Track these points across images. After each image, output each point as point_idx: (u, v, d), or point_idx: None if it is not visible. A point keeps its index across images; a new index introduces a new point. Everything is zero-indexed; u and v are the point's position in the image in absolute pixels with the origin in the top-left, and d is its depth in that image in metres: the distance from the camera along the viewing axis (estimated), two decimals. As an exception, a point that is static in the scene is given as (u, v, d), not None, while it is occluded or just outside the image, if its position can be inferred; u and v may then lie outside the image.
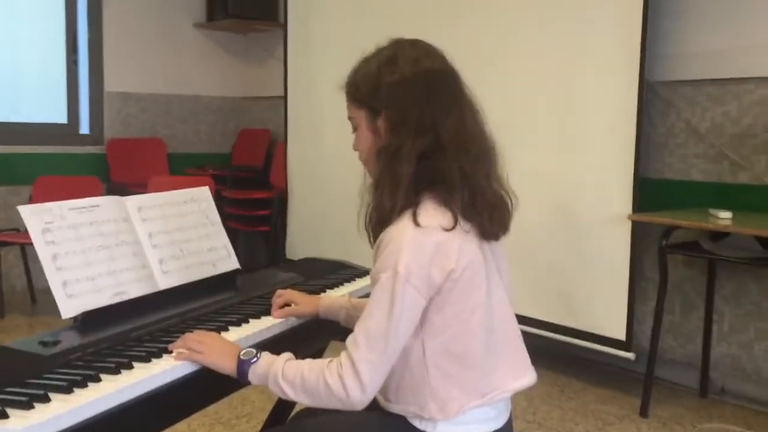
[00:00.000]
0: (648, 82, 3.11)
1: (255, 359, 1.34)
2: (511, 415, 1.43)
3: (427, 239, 1.25)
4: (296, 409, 1.86)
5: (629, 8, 3.03)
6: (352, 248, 2.64)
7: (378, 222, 1.31)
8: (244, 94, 5.73)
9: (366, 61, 1.37)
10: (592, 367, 3.51)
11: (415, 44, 1.36)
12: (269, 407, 2.95)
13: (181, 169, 5.35)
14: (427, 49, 1.36)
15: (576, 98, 3.26)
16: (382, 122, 1.33)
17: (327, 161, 4.50)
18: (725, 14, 3.10)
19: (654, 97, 3.29)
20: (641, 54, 3.01)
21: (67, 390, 1.17)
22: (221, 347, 1.37)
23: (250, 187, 5.31)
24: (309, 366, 1.29)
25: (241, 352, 1.36)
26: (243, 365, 1.34)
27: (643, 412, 3.01)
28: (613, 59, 3.12)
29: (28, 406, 1.11)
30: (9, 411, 1.08)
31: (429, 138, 1.29)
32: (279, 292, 1.70)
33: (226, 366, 1.35)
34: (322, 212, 4.57)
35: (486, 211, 1.31)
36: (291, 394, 1.30)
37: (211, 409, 1.47)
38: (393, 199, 1.28)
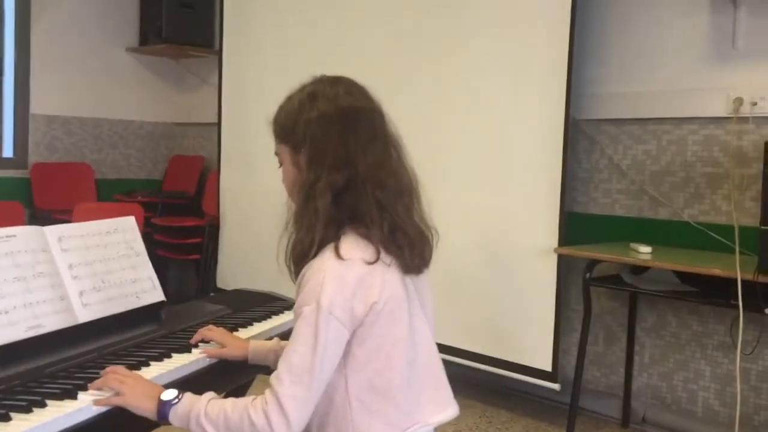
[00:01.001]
0: (573, 120, 3.22)
1: (176, 400, 1.31)
2: (433, 450, 1.44)
3: (350, 272, 1.26)
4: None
5: (556, 50, 3.14)
6: (284, 279, 2.63)
7: (298, 256, 1.32)
8: (177, 119, 5.66)
9: (289, 99, 1.40)
10: (519, 397, 3.56)
11: (337, 82, 1.39)
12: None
13: (110, 195, 5.22)
14: (348, 87, 1.38)
15: (504, 134, 3.34)
16: (302, 158, 1.35)
17: (259, 191, 4.47)
18: (645, 60, 3.25)
19: (579, 135, 3.41)
20: (567, 93, 3.12)
21: (-27, 430, 1.12)
22: (141, 388, 1.34)
23: (182, 214, 5.22)
24: (232, 404, 1.28)
25: (162, 393, 1.33)
26: (164, 407, 1.31)
27: (568, 442, 3.06)
28: (539, 97, 3.22)
29: (-71, 448, 1.06)
30: None
31: (344, 173, 1.31)
32: (211, 327, 1.69)
33: (146, 408, 1.32)
34: (254, 241, 4.52)
35: (407, 246, 1.33)
36: None
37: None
38: (311, 233, 1.30)
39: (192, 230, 5.05)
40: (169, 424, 1.32)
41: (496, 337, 3.37)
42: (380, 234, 1.30)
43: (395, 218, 1.32)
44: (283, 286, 2.25)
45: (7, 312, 1.48)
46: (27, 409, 1.22)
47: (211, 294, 4.73)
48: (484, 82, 3.39)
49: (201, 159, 5.50)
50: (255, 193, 4.53)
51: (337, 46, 3.94)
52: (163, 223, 4.98)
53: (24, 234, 1.60)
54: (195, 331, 1.73)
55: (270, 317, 1.98)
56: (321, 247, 1.29)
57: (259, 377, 1.82)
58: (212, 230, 4.94)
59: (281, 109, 1.40)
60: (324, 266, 1.27)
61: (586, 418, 3.33)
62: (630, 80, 3.30)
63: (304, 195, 1.32)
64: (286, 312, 2.04)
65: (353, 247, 1.29)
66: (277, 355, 1.59)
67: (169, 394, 1.32)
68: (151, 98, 5.58)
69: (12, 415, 1.19)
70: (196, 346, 1.66)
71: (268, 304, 2.11)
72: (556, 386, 3.19)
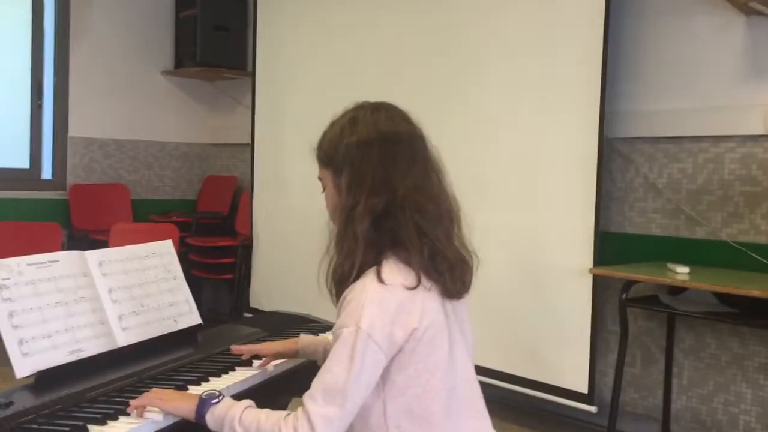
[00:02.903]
0: (607, 139, 3.19)
1: (216, 401, 1.34)
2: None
3: (391, 297, 1.27)
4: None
5: (589, 67, 3.12)
6: (317, 298, 2.64)
7: (339, 279, 1.32)
8: (211, 141, 5.74)
9: (332, 125, 1.42)
10: (554, 419, 3.51)
11: (378, 108, 1.40)
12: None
13: (145, 215, 5.30)
14: (389, 112, 1.39)
15: (537, 154, 3.33)
16: (343, 182, 1.36)
17: (292, 212, 4.50)
18: (680, 77, 3.22)
19: (613, 153, 3.38)
20: (600, 112, 3.10)
21: (19, 456, 1.14)
22: (180, 393, 1.42)
23: (215, 234, 5.27)
24: (267, 415, 1.30)
25: (204, 393, 1.37)
26: (203, 404, 1.34)
27: (606, 466, 3.01)
28: (573, 116, 3.20)
29: (-24, 474, 1.07)
30: (-44, 479, 1.05)
31: (383, 198, 1.32)
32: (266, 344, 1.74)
33: (186, 406, 1.35)
34: (286, 262, 4.55)
35: (447, 271, 1.33)
36: None
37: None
38: (351, 257, 1.31)
39: (225, 250, 5.10)
40: (205, 424, 1.33)
41: (531, 359, 3.33)
42: (420, 259, 1.30)
43: (435, 243, 1.32)
44: (315, 306, 2.27)
45: (49, 336, 1.51)
46: (69, 435, 1.24)
47: (245, 314, 4.77)
48: (517, 101, 3.38)
49: (234, 180, 5.56)
50: (287, 214, 4.57)
51: (369, 67, 3.98)
52: (197, 243, 5.03)
53: (66, 259, 1.63)
54: (231, 355, 1.75)
55: (305, 340, 1.97)
56: (361, 270, 1.30)
57: (294, 400, 1.82)
58: (245, 250, 4.98)
59: (324, 134, 1.42)
60: (365, 289, 1.27)
61: (624, 441, 3.27)
62: (665, 97, 3.26)
63: (344, 219, 1.33)
64: (321, 335, 2.05)
65: (394, 272, 1.29)
66: (327, 351, 1.60)
67: (211, 395, 1.36)
68: (186, 120, 5.67)
69: (55, 440, 1.21)
70: (248, 362, 1.72)
71: (303, 326, 2.12)
72: (592, 408, 3.14)
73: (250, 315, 4.66)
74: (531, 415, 3.53)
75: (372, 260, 1.30)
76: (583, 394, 3.16)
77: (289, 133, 4.53)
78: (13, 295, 1.48)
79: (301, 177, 4.37)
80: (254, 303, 4.83)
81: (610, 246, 3.27)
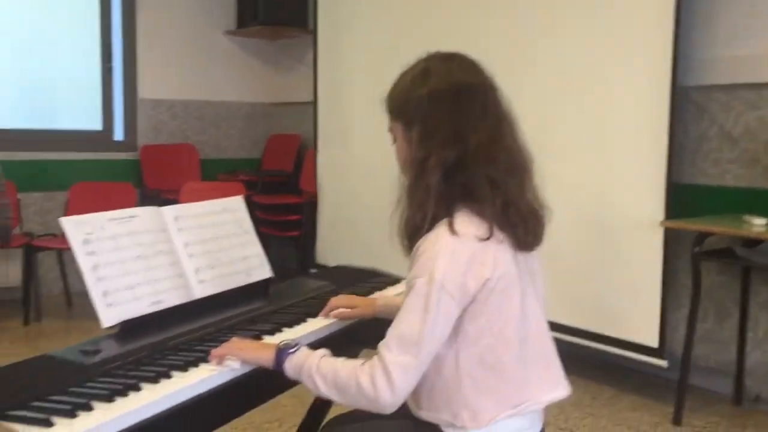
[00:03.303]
0: (680, 87, 3.08)
1: (294, 350, 1.38)
2: (543, 427, 1.43)
3: (463, 248, 1.27)
4: (328, 416, 1.89)
5: (661, 13, 3.00)
6: (382, 253, 2.66)
7: (411, 232, 1.33)
8: (274, 99, 5.79)
9: (402, 75, 1.40)
10: (623, 374, 3.48)
11: (449, 58, 1.38)
12: (300, 412, 2.97)
13: (213, 174, 5.42)
14: (462, 63, 1.37)
15: (607, 104, 3.24)
16: (414, 134, 1.35)
17: (356, 168, 4.53)
18: (758, 19, 3.06)
19: (686, 102, 3.26)
20: (673, 59, 2.99)
21: (109, 399, 1.20)
22: (259, 343, 1.46)
23: (281, 192, 5.36)
24: (343, 363, 1.32)
25: (281, 342, 1.40)
26: (281, 354, 1.38)
27: (677, 420, 2.98)
28: (644, 64, 3.09)
29: (71, 414, 1.14)
30: (53, 419, 1.12)
31: (455, 150, 1.31)
32: (339, 296, 1.76)
33: (265, 356, 1.39)
34: (351, 218, 4.59)
35: (520, 223, 1.32)
36: (322, 389, 1.32)
37: (241, 416, 1.51)
38: (423, 209, 1.31)
39: (291, 207, 5.19)
40: (283, 372, 1.37)
41: (599, 313, 3.30)
42: (493, 211, 1.29)
43: (508, 195, 1.31)
44: (381, 261, 2.29)
45: (131, 288, 1.57)
46: (154, 380, 1.30)
47: (312, 270, 4.85)
48: (586, 49, 3.29)
49: (297, 138, 5.62)
50: (351, 171, 4.60)
51: (432, 23, 3.92)
52: (263, 201, 5.13)
53: (144, 214, 1.69)
54: (302, 306, 1.79)
55: (373, 293, 2.00)
56: (433, 222, 1.30)
57: (364, 351, 1.86)
58: (310, 207, 5.05)
59: (395, 86, 1.41)
60: (438, 240, 1.27)
61: (696, 395, 3.22)
62: (742, 42, 3.11)
63: (415, 171, 1.33)
64: (389, 287, 2.07)
65: (467, 224, 1.29)
66: None
67: (288, 344, 1.39)
68: (249, 79, 5.73)
69: (141, 385, 1.27)
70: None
71: (371, 280, 2.14)
72: (663, 363, 3.10)
73: (316, 271, 4.74)
74: (599, 369, 3.51)
75: (444, 212, 1.30)
76: (654, 348, 3.12)
77: (351, 90, 4.53)
78: (96, 249, 1.54)
79: (364, 134, 4.38)
80: (320, 259, 4.91)
81: (682, 198, 3.19)
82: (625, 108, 3.17)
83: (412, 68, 1.40)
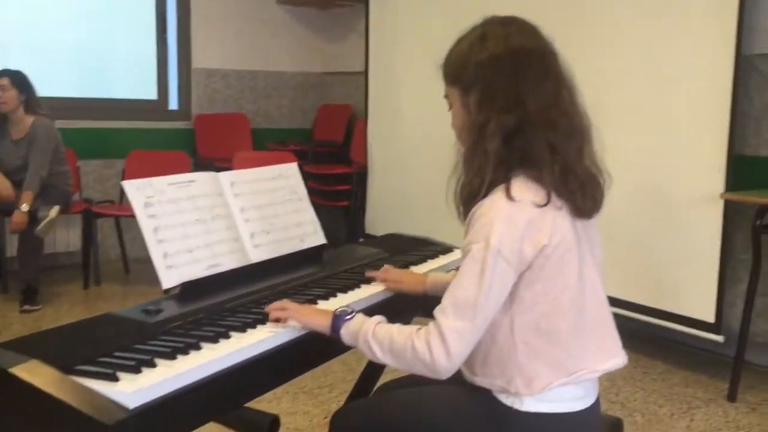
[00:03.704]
0: (745, 56, 2.97)
1: (349, 317, 1.39)
2: (598, 397, 1.42)
3: (520, 213, 1.26)
4: (380, 381, 1.91)
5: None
6: (431, 224, 2.66)
7: (468, 197, 1.32)
8: (326, 69, 5.79)
9: (459, 41, 1.39)
10: (676, 349, 3.43)
11: (508, 22, 1.36)
12: (350, 378, 3.02)
13: (264, 144, 5.47)
14: (521, 27, 1.35)
15: (665, 72, 3.15)
16: (472, 100, 1.34)
17: (407, 138, 4.51)
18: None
19: (751, 71, 3.14)
20: (738, 26, 2.88)
21: (171, 356, 1.23)
22: (316, 309, 1.47)
23: (331, 162, 5.38)
24: (399, 329, 1.33)
25: (337, 309, 1.41)
26: (337, 321, 1.39)
27: (731, 397, 2.93)
28: (707, 31, 2.99)
29: (136, 370, 1.17)
30: (119, 374, 1.16)
31: (515, 115, 1.29)
32: (387, 267, 1.76)
33: (321, 322, 1.41)
34: (401, 188, 4.59)
35: (578, 189, 1.30)
36: (378, 354, 1.33)
37: (295, 378, 1.54)
38: (481, 175, 1.30)
39: (341, 177, 5.21)
40: (339, 338, 1.39)
41: (654, 286, 3.25)
42: (551, 177, 1.28)
43: (567, 160, 1.29)
44: (430, 231, 2.30)
45: (190, 251, 1.60)
46: (214, 340, 1.33)
47: (361, 240, 4.88)
48: (649, 17, 3.19)
49: (348, 108, 5.62)
50: (402, 141, 4.59)
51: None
52: (313, 171, 5.16)
53: (202, 179, 1.72)
54: (355, 273, 1.81)
55: (426, 260, 2.01)
56: (491, 188, 1.29)
57: (416, 319, 1.87)
58: (360, 177, 5.07)
59: (451, 51, 1.39)
60: (495, 206, 1.26)
61: (752, 371, 3.15)
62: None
63: (474, 137, 1.32)
64: (441, 256, 2.07)
65: (524, 189, 1.28)
66: None
67: (343, 311, 1.40)
68: (301, 49, 5.74)
69: (202, 344, 1.30)
70: (371, 279, 1.75)
71: (423, 248, 2.14)
72: (719, 338, 3.04)
73: (363, 241, 4.76)
74: (650, 344, 3.46)
75: (502, 178, 1.28)
76: (710, 323, 3.06)
77: (403, 60, 4.49)
78: (157, 212, 1.57)
79: (415, 104, 4.36)
80: (369, 229, 4.93)
81: (744, 170, 3.09)
82: (687, 76, 3.08)
83: (470, 33, 1.38)
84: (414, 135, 4.41)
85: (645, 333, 3.45)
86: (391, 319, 1.82)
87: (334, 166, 5.32)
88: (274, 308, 1.44)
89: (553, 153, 1.28)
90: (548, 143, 1.28)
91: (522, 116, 1.29)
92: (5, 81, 3.97)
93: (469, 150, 1.33)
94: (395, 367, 1.35)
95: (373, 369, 2.06)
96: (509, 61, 1.30)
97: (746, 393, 2.98)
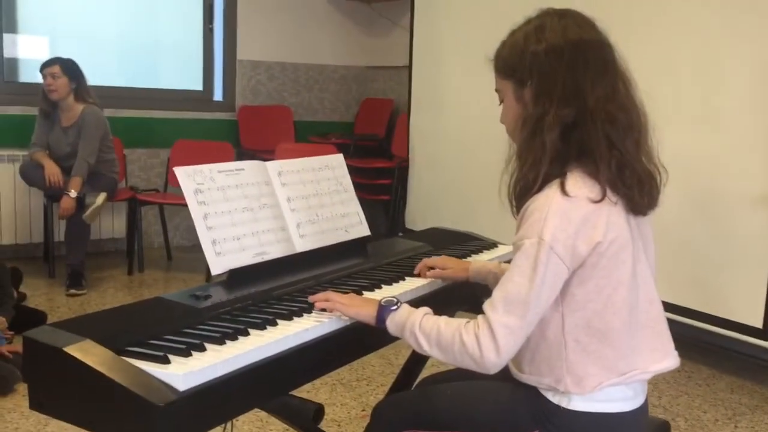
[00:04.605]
0: (802, 54, 2.89)
1: (395, 307, 1.38)
2: (647, 398, 1.39)
3: (575, 209, 1.24)
4: (421, 375, 1.90)
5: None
6: (472, 220, 2.64)
7: (521, 192, 1.30)
8: (369, 63, 5.79)
9: (513, 33, 1.37)
10: (721, 354, 3.36)
11: (564, 14, 1.33)
12: (388, 372, 3.02)
13: (306, 136, 5.49)
14: (577, 19, 1.33)
15: (715, 69, 3.08)
16: (527, 92, 1.32)
17: (449, 134, 4.49)
18: None
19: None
20: (796, 23, 2.80)
21: (220, 341, 1.25)
22: (362, 299, 1.46)
23: (372, 155, 5.38)
24: (446, 322, 1.32)
25: (383, 300, 1.40)
26: (383, 311, 1.38)
27: (778, 405, 2.86)
28: (760, 28, 2.91)
29: (186, 353, 1.19)
30: (170, 357, 1.17)
31: (573, 108, 1.27)
32: (431, 258, 1.76)
33: (367, 312, 1.40)
34: (442, 183, 4.57)
35: (635, 185, 1.28)
36: (425, 347, 1.32)
37: (337, 369, 1.55)
38: (536, 168, 1.27)
39: (382, 171, 5.21)
40: (385, 329, 1.38)
41: (700, 289, 3.18)
42: (608, 172, 1.25)
43: (624, 155, 1.27)
44: (471, 227, 2.28)
45: (238, 239, 1.61)
46: (261, 326, 1.34)
47: (400, 234, 4.88)
48: (700, 15, 3.12)
49: (390, 102, 5.61)
50: (444, 136, 4.56)
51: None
52: (354, 164, 5.16)
53: (250, 168, 1.73)
54: (399, 265, 1.80)
55: (469, 255, 1.99)
56: (545, 182, 1.27)
57: (460, 313, 1.86)
58: (401, 172, 5.06)
59: (504, 44, 1.37)
60: (548, 201, 1.24)
61: (800, 380, 3.07)
62: None
63: (530, 130, 1.29)
64: (485, 251, 2.06)
65: (579, 185, 1.25)
66: (497, 277, 1.60)
67: (390, 302, 1.39)
68: (344, 42, 5.75)
69: (250, 330, 1.31)
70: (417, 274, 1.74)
71: (467, 243, 2.13)
72: (767, 344, 2.97)
73: (402, 235, 4.75)
74: (695, 348, 3.39)
75: (557, 172, 1.26)
76: (757, 328, 2.98)
77: (448, 54, 4.47)
78: (206, 199, 1.59)
79: (459, 99, 4.33)
80: (409, 224, 4.92)
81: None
82: (737, 72, 3.01)
83: (525, 25, 1.36)
84: (457, 131, 4.39)
85: (689, 336, 3.37)
86: (435, 312, 1.83)
87: (375, 160, 5.32)
88: (318, 299, 1.44)
89: (610, 147, 1.26)
90: (606, 137, 1.26)
91: (581, 109, 1.26)
92: (56, 69, 4.05)
93: (523, 143, 1.31)
94: (441, 360, 1.34)
95: (415, 362, 2.06)
96: (568, 53, 1.28)
97: (794, 401, 2.90)
